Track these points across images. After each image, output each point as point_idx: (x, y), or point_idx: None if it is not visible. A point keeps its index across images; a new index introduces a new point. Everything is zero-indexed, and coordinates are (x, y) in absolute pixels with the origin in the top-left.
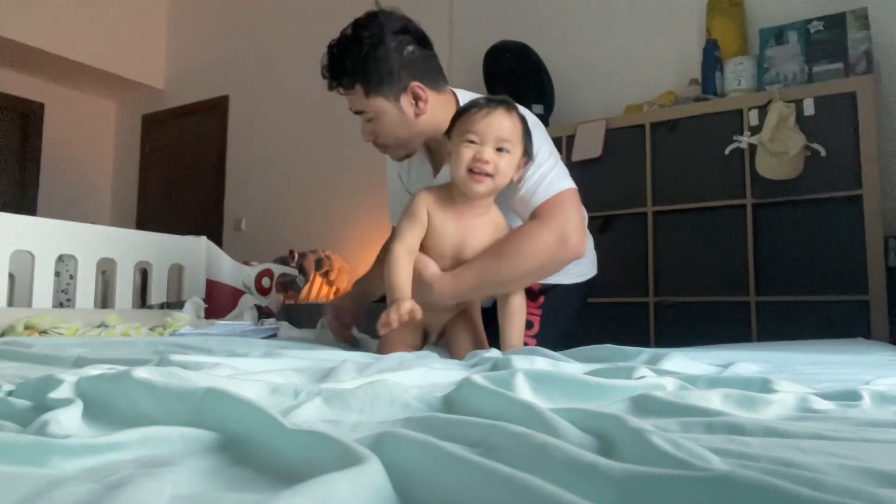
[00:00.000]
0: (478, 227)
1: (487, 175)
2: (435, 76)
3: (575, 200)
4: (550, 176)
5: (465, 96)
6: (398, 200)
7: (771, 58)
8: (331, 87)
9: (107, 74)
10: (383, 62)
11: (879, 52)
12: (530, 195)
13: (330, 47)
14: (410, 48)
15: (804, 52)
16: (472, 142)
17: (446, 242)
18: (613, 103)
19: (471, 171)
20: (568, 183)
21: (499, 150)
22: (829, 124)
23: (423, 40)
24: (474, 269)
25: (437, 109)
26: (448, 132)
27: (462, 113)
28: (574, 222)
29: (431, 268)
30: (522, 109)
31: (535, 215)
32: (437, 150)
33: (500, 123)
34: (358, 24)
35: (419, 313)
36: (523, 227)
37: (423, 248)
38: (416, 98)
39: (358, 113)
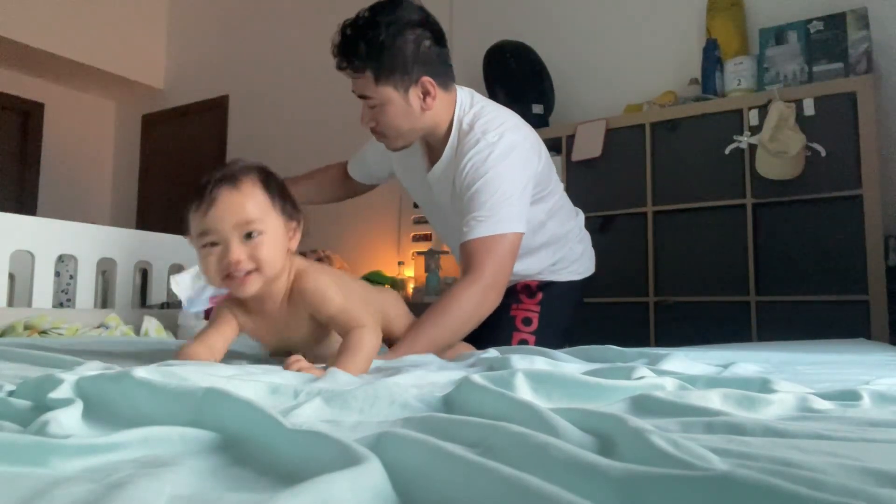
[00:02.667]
0: (289, 324)
1: (249, 273)
2: (445, 74)
3: (513, 247)
4: (500, 215)
5: (465, 95)
6: (372, 157)
7: (771, 58)
8: (340, 67)
9: (107, 74)
10: (399, 52)
11: (879, 52)
12: (468, 230)
13: (344, 26)
14: (427, 43)
15: (804, 52)
16: (213, 243)
17: (268, 343)
18: (613, 103)
19: (228, 275)
20: (514, 226)
21: (248, 236)
22: (829, 124)
23: (439, 36)
24: (423, 342)
25: (441, 108)
26: (187, 230)
27: (189, 204)
28: (501, 273)
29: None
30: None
31: (467, 257)
32: (433, 146)
33: (233, 208)
34: (377, 9)
35: None
36: (453, 291)
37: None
38: (425, 93)
39: (362, 97)
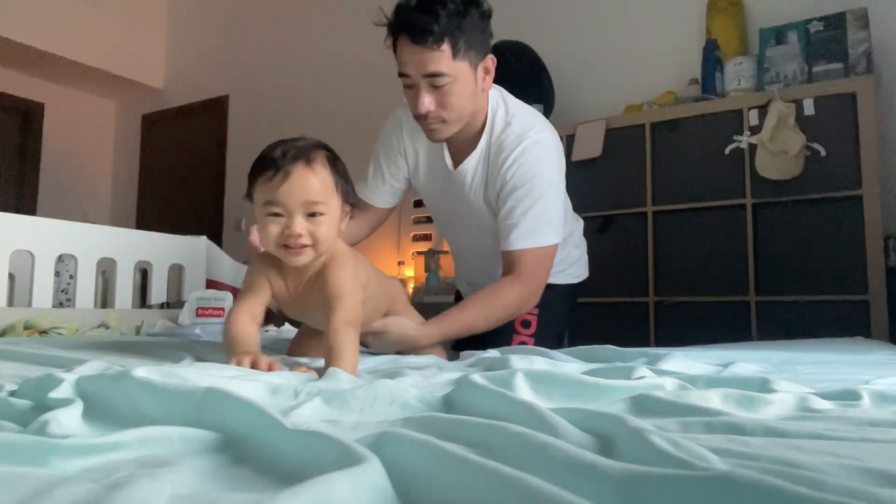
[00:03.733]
0: (308, 295)
1: (305, 246)
2: (496, 59)
3: (551, 257)
4: (543, 225)
5: (495, 93)
6: (387, 170)
7: (771, 58)
8: (416, 41)
9: (107, 74)
10: (476, 25)
11: (879, 52)
12: (517, 237)
13: (417, 2)
14: (486, 23)
15: (804, 52)
16: (277, 214)
17: (286, 308)
18: (613, 103)
19: (286, 245)
20: (554, 238)
21: (311, 215)
22: (829, 124)
23: (490, 22)
24: (459, 322)
25: (485, 95)
26: (248, 190)
27: (257, 172)
28: (541, 280)
29: (409, 326)
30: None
31: (512, 262)
32: (460, 142)
33: (305, 187)
34: None
35: (277, 366)
36: (502, 286)
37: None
38: (486, 72)
39: (429, 76)
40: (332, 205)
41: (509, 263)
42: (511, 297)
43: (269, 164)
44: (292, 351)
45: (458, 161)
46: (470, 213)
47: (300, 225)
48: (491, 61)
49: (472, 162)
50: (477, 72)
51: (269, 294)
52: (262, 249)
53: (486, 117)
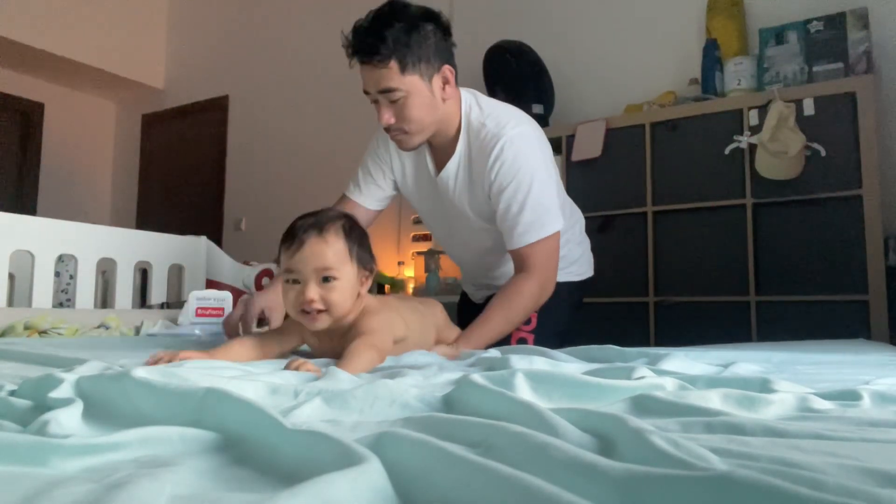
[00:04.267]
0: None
1: (320, 311)
2: (455, 67)
3: (557, 243)
4: (541, 215)
5: (468, 94)
6: (365, 183)
7: (771, 58)
8: (363, 61)
9: (107, 74)
10: (423, 40)
11: (879, 52)
12: (520, 234)
13: (367, 21)
14: (440, 34)
15: (804, 52)
16: (294, 281)
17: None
18: (613, 103)
19: (303, 310)
20: (555, 224)
21: (325, 279)
22: (829, 124)
23: (448, 31)
24: (485, 335)
25: (452, 102)
26: (277, 258)
27: (282, 241)
28: (552, 269)
29: (444, 349)
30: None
31: (521, 259)
32: (440, 148)
33: (316, 254)
34: (392, 6)
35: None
36: (517, 285)
37: None
38: (445, 82)
39: (383, 92)
40: (345, 271)
41: (519, 260)
42: (527, 294)
43: (290, 235)
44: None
45: (440, 167)
46: (457, 216)
47: (313, 291)
48: (448, 71)
49: (453, 166)
50: (432, 83)
51: (295, 342)
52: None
53: (460, 122)
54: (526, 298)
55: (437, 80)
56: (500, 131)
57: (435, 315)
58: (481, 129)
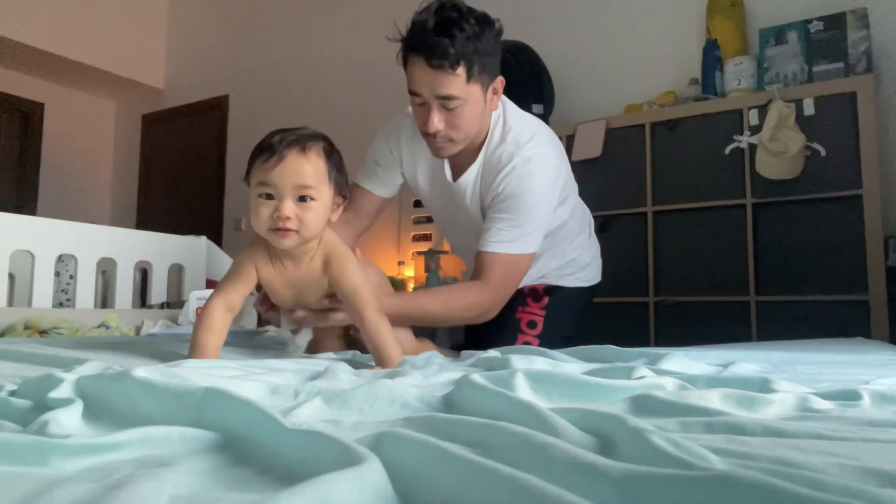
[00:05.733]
0: (308, 285)
1: (290, 231)
2: (504, 79)
3: (525, 266)
4: (521, 236)
5: (511, 108)
6: (374, 172)
7: (771, 58)
8: (432, 64)
9: (107, 74)
10: (490, 48)
11: (879, 52)
12: (493, 240)
13: (433, 19)
14: (500, 42)
15: (804, 52)
16: (268, 195)
17: (279, 297)
18: (613, 103)
19: (276, 228)
20: (529, 249)
21: (301, 198)
22: (829, 124)
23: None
24: (413, 304)
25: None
26: (246, 172)
27: (255, 156)
28: (509, 290)
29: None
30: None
31: (481, 265)
32: (460, 155)
33: (296, 170)
34: (457, 5)
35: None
36: (469, 289)
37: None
38: (495, 92)
39: (442, 98)
40: (322, 192)
41: (480, 265)
42: (474, 302)
43: (267, 148)
44: (313, 349)
45: (457, 174)
46: (468, 219)
47: (289, 208)
48: (500, 82)
49: (471, 176)
50: (487, 93)
51: (253, 282)
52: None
53: (486, 133)
54: (472, 305)
55: (491, 90)
56: (516, 150)
57: (379, 276)
58: (500, 144)
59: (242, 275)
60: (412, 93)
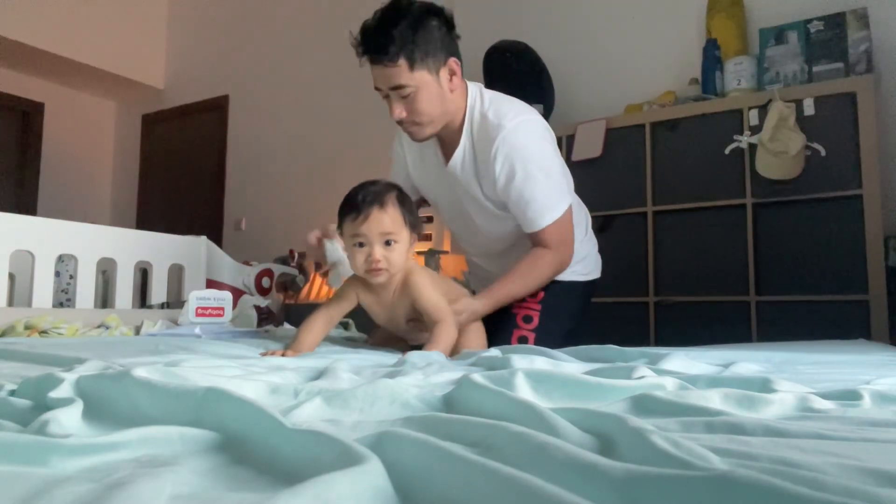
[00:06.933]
0: (397, 305)
1: (381, 269)
2: (461, 59)
3: (570, 219)
4: (549, 196)
5: (473, 87)
6: (393, 170)
7: (771, 58)
8: (374, 61)
9: (107, 74)
10: (429, 35)
11: (879, 52)
12: (533, 219)
13: (374, 21)
14: (445, 28)
15: (804, 51)
16: (360, 244)
17: (378, 318)
18: (613, 103)
19: (369, 268)
20: (564, 203)
21: (386, 243)
22: (829, 124)
23: (453, 24)
24: (499, 294)
25: (459, 94)
26: (338, 224)
27: (344, 213)
28: (569, 243)
29: (471, 303)
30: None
31: (537, 240)
32: (447, 139)
33: (379, 223)
34: (398, 2)
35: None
36: (536, 257)
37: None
38: (452, 74)
39: (394, 88)
40: (402, 234)
41: (535, 241)
42: (546, 264)
43: (354, 207)
44: (373, 343)
45: (448, 156)
46: (469, 202)
47: (378, 252)
48: (454, 63)
49: (459, 156)
50: (440, 76)
51: (352, 304)
52: (315, 241)
53: (465, 114)
54: (544, 266)
55: (444, 73)
56: (500, 122)
57: (458, 292)
58: (482, 120)
59: (346, 297)
60: (376, 88)
